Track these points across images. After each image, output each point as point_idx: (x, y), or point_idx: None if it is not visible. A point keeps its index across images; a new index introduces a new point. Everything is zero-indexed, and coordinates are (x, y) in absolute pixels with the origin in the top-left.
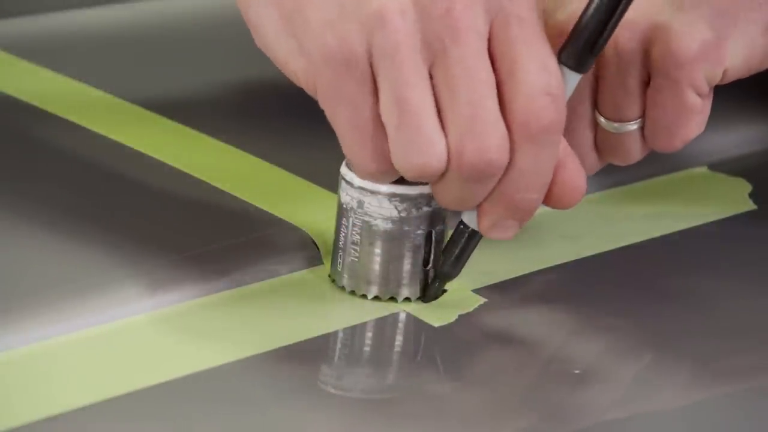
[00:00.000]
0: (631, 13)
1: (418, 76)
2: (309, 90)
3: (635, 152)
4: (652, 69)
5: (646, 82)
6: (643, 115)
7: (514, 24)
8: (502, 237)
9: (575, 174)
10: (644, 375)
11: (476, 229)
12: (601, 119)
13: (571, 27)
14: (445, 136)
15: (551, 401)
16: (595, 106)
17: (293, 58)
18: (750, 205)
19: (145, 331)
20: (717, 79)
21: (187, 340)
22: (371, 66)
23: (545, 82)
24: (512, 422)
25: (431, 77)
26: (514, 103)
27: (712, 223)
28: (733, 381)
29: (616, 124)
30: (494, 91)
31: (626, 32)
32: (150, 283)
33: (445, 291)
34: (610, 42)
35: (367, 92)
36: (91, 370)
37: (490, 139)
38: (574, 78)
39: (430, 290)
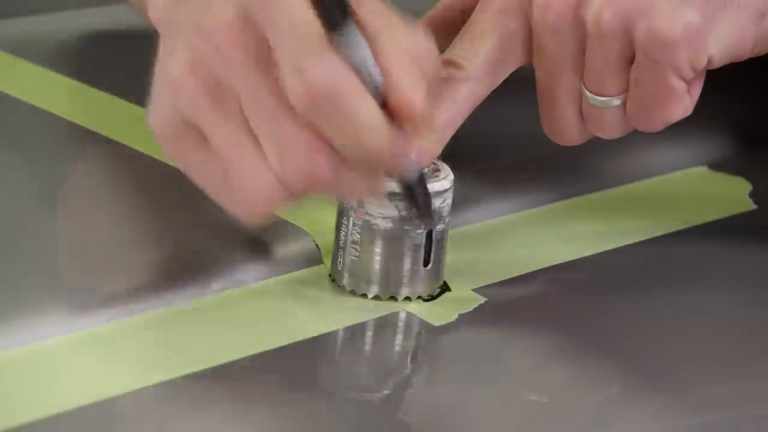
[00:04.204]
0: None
1: (228, 122)
2: None
3: (617, 127)
4: (635, 47)
5: (631, 60)
6: (626, 92)
7: (263, 21)
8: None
9: (405, 91)
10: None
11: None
12: (586, 91)
13: None
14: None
15: (549, 400)
16: (576, 74)
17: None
18: (750, 205)
19: (144, 331)
20: (701, 65)
21: (187, 340)
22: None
23: (293, 64)
24: (512, 421)
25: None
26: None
27: (712, 223)
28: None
29: (599, 98)
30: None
31: (609, 10)
32: (150, 283)
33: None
34: (592, 18)
35: (207, 150)
36: (91, 370)
37: (297, 152)
38: (348, 38)
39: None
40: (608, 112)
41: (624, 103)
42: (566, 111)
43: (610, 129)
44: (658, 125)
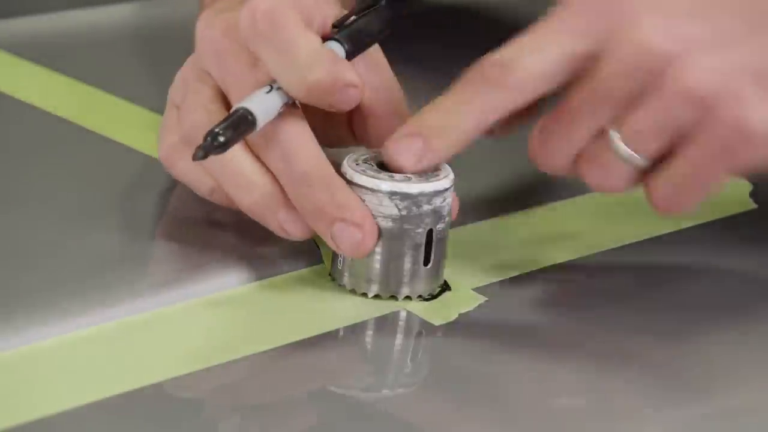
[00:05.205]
0: (706, 74)
1: None
2: None
3: (616, 183)
4: (705, 128)
5: (684, 133)
6: (655, 157)
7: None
8: None
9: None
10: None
11: None
12: (614, 136)
13: None
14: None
15: (549, 400)
16: (613, 118)
17: None
18: (750, 205)
19: (145, 331)
20: (758, 166)
21: (187, 339)
22: None
23: None
24: (511, 421)
25: None
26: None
27: (712, 223)
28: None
29: (625, 148)
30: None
31: (697, 81)
32: (151, 283)
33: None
34: (677, 82)
35: None
36: (91, 370)
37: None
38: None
39: None
40: (622, 165)
41: (642, 167)
42: (574, 140)
43: (608, 180)
44: (676, 211)
